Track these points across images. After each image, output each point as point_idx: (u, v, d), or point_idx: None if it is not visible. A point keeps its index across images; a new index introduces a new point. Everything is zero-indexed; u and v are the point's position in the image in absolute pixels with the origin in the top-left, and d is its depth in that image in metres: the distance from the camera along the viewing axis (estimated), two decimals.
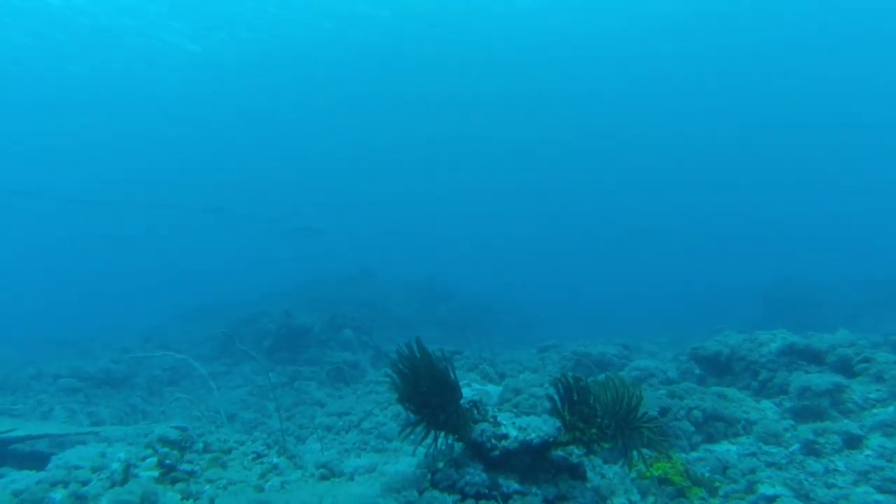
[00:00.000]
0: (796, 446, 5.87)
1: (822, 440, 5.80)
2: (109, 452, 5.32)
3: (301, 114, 42.63)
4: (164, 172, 49.16)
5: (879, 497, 4.84)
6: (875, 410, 6.21)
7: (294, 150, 49.03)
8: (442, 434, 4.11)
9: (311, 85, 38.31)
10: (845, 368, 7.17)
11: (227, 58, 33.33)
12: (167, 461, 5.18)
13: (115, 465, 4.95)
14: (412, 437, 4.09)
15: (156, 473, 5.08)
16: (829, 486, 5.15)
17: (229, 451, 5.80)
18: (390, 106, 41.99)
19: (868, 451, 5.52)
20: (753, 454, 5.91)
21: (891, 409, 6.08)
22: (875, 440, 5.65)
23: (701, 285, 37.95)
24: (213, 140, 45.50)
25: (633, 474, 5.24)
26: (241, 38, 31.46)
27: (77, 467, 4.89)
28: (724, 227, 61.39)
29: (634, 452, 4.00)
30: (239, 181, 53.26)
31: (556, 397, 4.18)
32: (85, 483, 4.75)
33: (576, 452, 4.19)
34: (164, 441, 5.38)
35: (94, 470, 4.92)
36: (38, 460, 5.51)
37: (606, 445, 4.08)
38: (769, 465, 5.68)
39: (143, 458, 5.23)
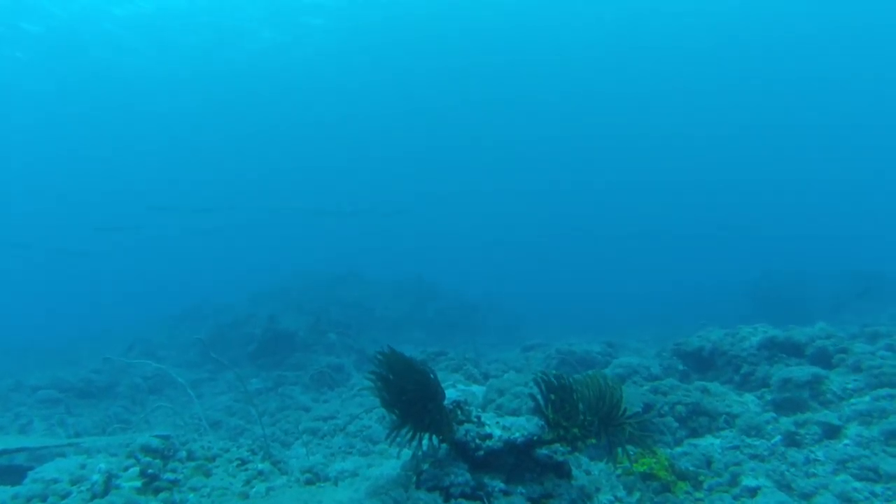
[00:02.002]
0: (778, 438, 5.94)
1: (802, 431, 5.89)
2: (90, 464, 5.24)
3: (295, 117, 42.51)
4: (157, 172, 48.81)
5: (857, 484, 4.93)
6: (853, 400, 6.31)
7: (287, 152, 48.95)
8: (426, 436, 4.11)
9: (303, 90, 38.21)
10: (824, 360, 7.27)
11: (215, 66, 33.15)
12: (150, 470, 5.12)
13: (96, 477, 4.88)
14: (398, 439, 4.08)
15: (138, 483, 5.01)
16: (810, 476, 5.22)
17: (213, 459, 5.74)
18: (381, 108, 41.98)
19: (846, 441, 5.62)
20: (737, 447, 5.98)
21: (867, 398, 6.18)
22: (853, 429, 5.75)
23: (687, 282, 38.36)
24: (209, 141, 45.31)
25: (619, 471, 5.28)
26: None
27: (55, 480, 4.81)
28: (709, 224, 62.08)
29: (619, 449, 4.02)
30: (233, 181, 53.00)
31: (538, 396, 4.20)
32: (64, 496, 4.67)
33: (560, 450, 4.21)
34: (147, 450, 5.31)
35: (74, 482, 4.84)
36: (15, 475, 5.40)
37: (592, 441, 4.11)
38: (752, 457, 5.76)
39: (125, 469, 5.16)
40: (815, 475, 5.22)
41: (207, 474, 5.40)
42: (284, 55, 33.40)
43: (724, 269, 41.22)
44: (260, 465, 5.59)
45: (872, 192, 56.76)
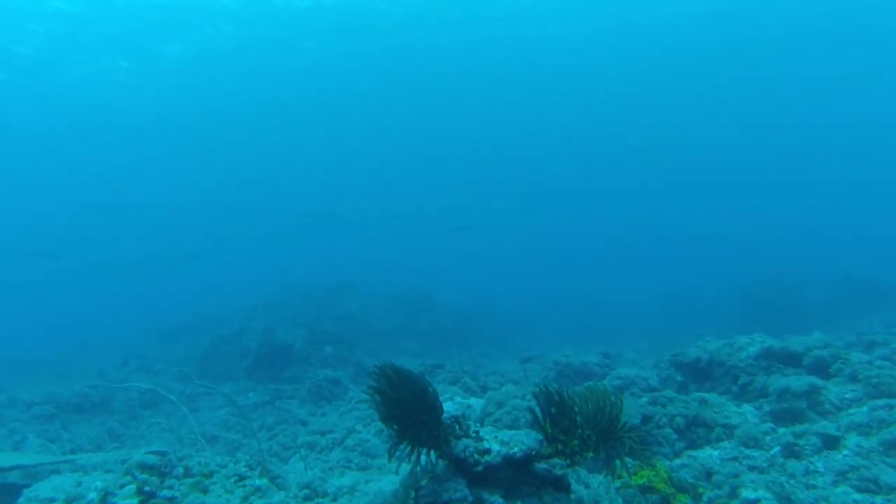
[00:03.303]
0: (777, 449, 5.94)
1: (801, 442, 5.88)
2: (86, 481, 5.19)
3: (288, 125, 42.55)
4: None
5: (857, 496, 4.92)
6: (851, 410, 6.32)
7: (284, 161, 49.11)
8: (425, 451, 4.10)
9: (294, 97, 38.20)
10: (821, 370, 7.29)
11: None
12: (146, 488, 5.07)
13: (92, 495, 4.83)
14: (397, 454, 4.07)
15: (135, 501, 4.96)
16: (810, 488, 5.21)
17: (211, 475, 5.69)
18: (373, 118, 42.00)
19: (846, 451, 5.61)
20: (736, 458, 5.97)
21: (865, 408, 6.18)
22: (852, 440, 5.75)
23: (679, 288, 38.36)
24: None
25: (618, 483, 5.26)
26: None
27: (51, 499, 4.76)
28: (701, 228, 62.27)
29: (617, 461, 4.02)
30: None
31: (537, 410, 4.19)
32: None
33: (559, 464, 4.19)
34: (143, 467, 5.26)
35: (69, 501, 4.79)
36: (9, 493, 5.35)
37: (590, 455, 4.10)
38: (751, 468, 5.75)
39: (122, 486, 5.11)
40: (814, 487, 5.21)
41: (205, 491, 5.35)
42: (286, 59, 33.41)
43: (717, 274, 41.28)
44: (258, 481, 5.54)
45: (865, 197, 57.12)
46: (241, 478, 5.63)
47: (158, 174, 47.60)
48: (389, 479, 5.14)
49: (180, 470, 5.52)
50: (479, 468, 3.92)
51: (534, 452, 4.05)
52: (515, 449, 3.98)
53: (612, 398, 3.98)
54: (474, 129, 45.00)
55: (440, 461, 4.13)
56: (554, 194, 59.35)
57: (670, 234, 62.78)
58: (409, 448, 4.04)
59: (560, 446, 4.06)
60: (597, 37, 32.54)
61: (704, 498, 5.32)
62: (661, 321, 25.65)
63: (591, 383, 5.37)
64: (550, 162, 52.69)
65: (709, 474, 5.69)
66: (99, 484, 4.99)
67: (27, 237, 50.99)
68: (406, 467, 4.17)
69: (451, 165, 52.25)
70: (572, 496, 4.20)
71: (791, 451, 5.83)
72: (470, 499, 3.86)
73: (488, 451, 3.97)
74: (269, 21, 29.34)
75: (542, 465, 4.14)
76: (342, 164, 50.79)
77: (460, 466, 4.01)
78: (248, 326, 19.83)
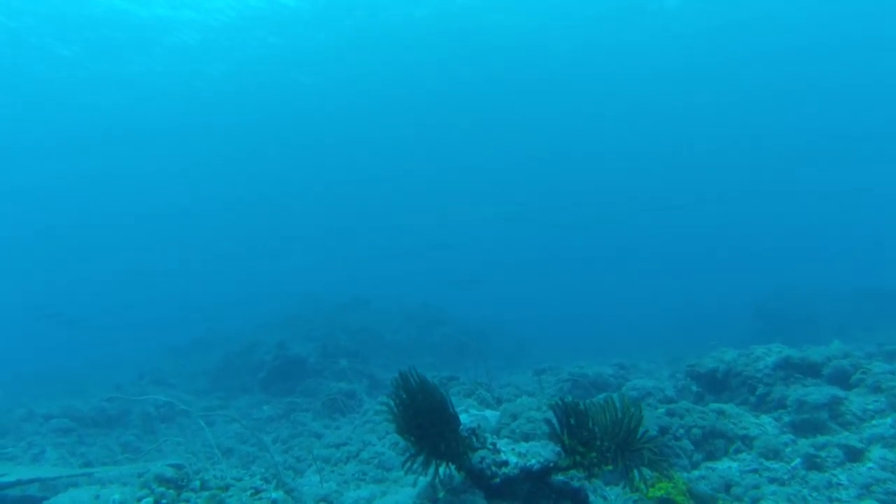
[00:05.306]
0: (797, 461, 5.84)
1: (822, 454, 5.78)
2: (104, 494, 5.22)
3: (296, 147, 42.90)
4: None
5: None
6: (874, 422, 6.21)
7: (291, 183, 49.44)
8: (442, 463, 4.08)
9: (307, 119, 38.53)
10: (842, 380, 7.18)
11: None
12: (163, 501, 5.08)
13: None
14: (414, 467, 4.05)
15: None
16: (833, 501, 5.12)
17: (227, 488, 5.69)
18: (376, 132, 42.17)
19: (870, 464, 5.51)
20: (755, 470, 5.88)
21: (889, 420, 6.08)
22: (876, 452, 5.64)
23: (694, 299, 38.05)
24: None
25: (636, 496, 5.20)
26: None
27: None
28: (714, 240, 61.86)
29: (635, 473, 3.97)
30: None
31: (554, 422, 4.16)
32: None
33: (577, 476, 4.16)
34: (160, 480, 5.27)
35: None
36: None
37: (608, 468, 4.06)
38: (772, 480, 5.65)
39: (139, 499, 5.13)
40: (838, 500, 5.11)
41: None
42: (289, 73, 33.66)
43: (732, 285, 40.90)
44: (274, 494, 5.53)
45: (880, 207, 56.50)
46: (257, 491, 5.62)
47: (166, 186, 48.11)
48: (406, 491, 5.12)
49: (197, 483, 5.53)
50: (497, 480, 3.90)
51: (551, 464, 4.02)
52: (533, 461, 3.96)
53: (632, 409, 3.94)
54: (474, 137, 44.93)
55: (457, 473, 4.11)
56: (566, 205, 59.22)
57: (684, 246, 62.41)
58: (425, 460, 4.03)
59: (578, 458, 4.03)
60: (603, 42, 32.36)
61: None
62: (675, 333, 25.45)
63: (608, 394, 5.33)
64: (561, 172, 52.67)
65: (728, 486, 5.61)
66: (117, 497, 5.01)
67: (36, 247, 51.70)
68: (423, 480, 4.15)
69: (451, 174, 52.38)
70: None
71: (812, 464, 5.73)
72: None
73: (506, 464, 3.95)
74: None
75: (559, 478, 4.10)
76: (348, 179, 51.26)
77: (478, 479, 3.99)
78: (262, 340, 19.89)
